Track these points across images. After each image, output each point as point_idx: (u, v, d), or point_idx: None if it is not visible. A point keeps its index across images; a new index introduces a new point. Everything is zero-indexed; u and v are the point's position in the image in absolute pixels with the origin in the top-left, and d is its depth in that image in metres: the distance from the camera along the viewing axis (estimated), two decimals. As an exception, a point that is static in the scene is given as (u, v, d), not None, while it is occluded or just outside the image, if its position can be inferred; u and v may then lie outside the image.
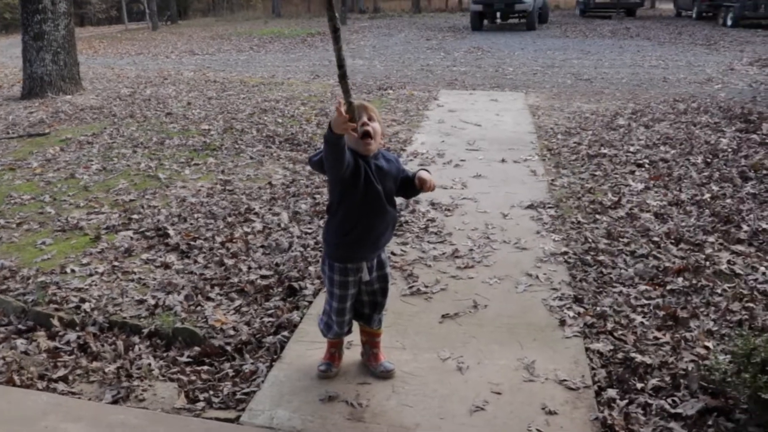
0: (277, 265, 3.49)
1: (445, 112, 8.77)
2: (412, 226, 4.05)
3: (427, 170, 2.25)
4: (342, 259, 2.23)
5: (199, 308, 3.03)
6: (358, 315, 2.43)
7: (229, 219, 4.16)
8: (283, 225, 4.08)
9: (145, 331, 2.83)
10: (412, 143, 6.63)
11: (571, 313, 2.87)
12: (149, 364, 2.61)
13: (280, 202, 4.57)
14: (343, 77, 1.91)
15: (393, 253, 3.60)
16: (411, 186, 2.23)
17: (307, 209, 4.40)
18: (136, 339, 2.79)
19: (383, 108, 8.64)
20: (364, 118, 2.13)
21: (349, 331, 2.45)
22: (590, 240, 3.75)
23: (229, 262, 3.50)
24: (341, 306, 2.31)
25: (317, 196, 4.69)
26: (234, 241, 3.80)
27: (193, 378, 2.54)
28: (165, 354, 2.70)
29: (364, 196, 2.14)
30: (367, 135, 2.12)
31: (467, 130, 7.44)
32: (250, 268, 3.45)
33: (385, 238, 2.26)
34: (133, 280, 3.31)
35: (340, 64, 1.89)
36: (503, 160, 5.79)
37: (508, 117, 8.37)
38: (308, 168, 5.51)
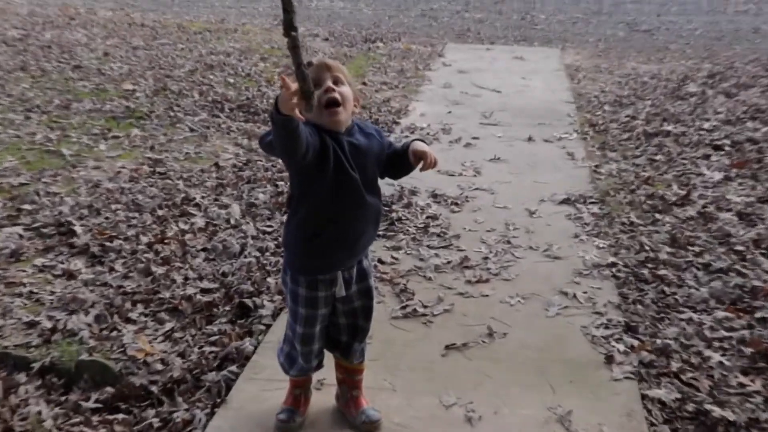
0: (223, 275, 3.45)
1: (453, 74, 8.69)
2: (408, 225, 4.03)
3: (422, 140, 2.21)
4: (309, 269, 2.20)
5: (114, 333, 2.97)
6: (332, 344, 2.41)
7: (160, 212, 4.13)
8: (233, 221, 4.05)
9: (36, 365, 2.76)
10: (408, 114, 6.60)
11: (622, 347, 2.86)
12: (39, 413, 2.55)
13: (229, 191, 4.53)
14: (289, 28, 1.77)
15: (380, 261, 3.57)
16: (403, 162, 2.20)
17: (266, 200, 4.35)
18: (21, 377, 2.72)
19: (371, 67, 8.62)
20: (329, 82, 2.09)
21: (320, 366, 2.43)
22: (648, 248, 3.74)
23: (159, 270, 3.45)
24: (308, 331, 2.28)
25: (280, 183, 4.65)
26: (166, 242, 3.76)
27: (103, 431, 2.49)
28: (63, 398, 2.64)
29: (335, 185, 2.09)
30: (332, 104, 2.07)
31: (482, 98, 7.42)
32: (187, 279, 3.41)
33: (366, 239, 2.24)
34: (21, 295, 3.25)
35: (287, 8, 1.77)
36: (530, 139, 5.80)
37: (537, 81, 8.35)
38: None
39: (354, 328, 2.35)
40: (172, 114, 6.27)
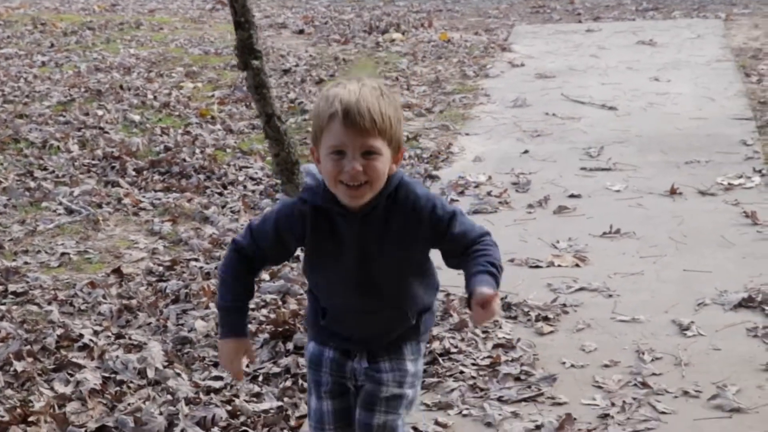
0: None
1: (528, 80, 8.90)
2: (462, 364, 4.13)
3: (494, 269, 2.74)
4: (315, 338, 3.06)
5: None
6: None
7: (18, 366, 4.20)
8: (151, 374, 4.16)
9: None
10: (452, 160, 6.80)
11: None
12: None
13: (143, 319, 4.67)
14: (247, 55, 1.96)
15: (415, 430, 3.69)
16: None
17: (210, 330, 4.50)
18: None
19: (382, 78, 8.75)
20: (356, 162, 2.66)
21: None
22: None
23: None
24: (316, 405, 3.04)
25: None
26: (32, 420, 3.83)
27: None
28: None
29: (326, 268, 2.91)
30: (353, 185, 2.69)
31: (584, 122, 7.57)
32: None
33: (384, 337, 2.97)
34: None
35: (241, 20, 1.94)
36: (674, 192, 5.92)
37: (682, 82, 8.51)
38: (208, 232, 5.67)
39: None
40: (32, 185, 6.48)
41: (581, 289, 4.76)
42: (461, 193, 6.08)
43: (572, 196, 5.97)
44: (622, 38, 10.37)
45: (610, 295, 4.68)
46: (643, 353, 4.14)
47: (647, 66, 9.20)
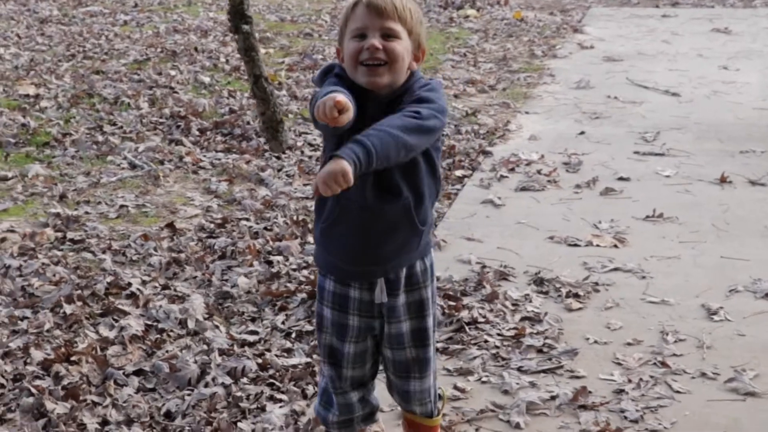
0: (167, 417, 3.68)
1: (595, 63, 8.95)
2: (487, 333, 4.21)
3: (363, 138, 2.72)
4: (324, 265, 3.09)
5: None
6: (389, 385, 3.27)
7: (68, 309, 4.39)
8: (191, 325, 4.33)
9: None
10: (508, 137, 6.87)
11: None
12: None
13: (189, 272, 4.84)
14: (239, 19, 2.07)
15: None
16: None
17: (251, 288, 4.65)
18: None
19: (451, 54, 8.84)
20: (374, 39, 2.81)
21: (371, 417, 3.25)
22: None
23: (59, 409, 3.66)
24: (336, 345, 3.10)
25: (275, 258, 4.94)
26: (75, 359, 4.00)
27: None
28: None
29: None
30: (373, 63, 2.82)
31: (645, 107, 7.63)
32: (105, 423, 3.63)
33: (393, 248, 2.97)
34: None
35: None
36: (724, 180, 5.94)
37: (751, 72, 8.50)
38: (262, 194, 5.80)
39: (405, 361, 3.14)
40: (100, 139, 6.68)
41: (616, 269, 4.83)
42: (512, 170, 6.16)
43: (621, 178, 6.03)
44: (698, 25, 10.32)
45: (644, 277, 4.75)
46: (667, 334, 4.21)
47: (718, 54, 9.17)
